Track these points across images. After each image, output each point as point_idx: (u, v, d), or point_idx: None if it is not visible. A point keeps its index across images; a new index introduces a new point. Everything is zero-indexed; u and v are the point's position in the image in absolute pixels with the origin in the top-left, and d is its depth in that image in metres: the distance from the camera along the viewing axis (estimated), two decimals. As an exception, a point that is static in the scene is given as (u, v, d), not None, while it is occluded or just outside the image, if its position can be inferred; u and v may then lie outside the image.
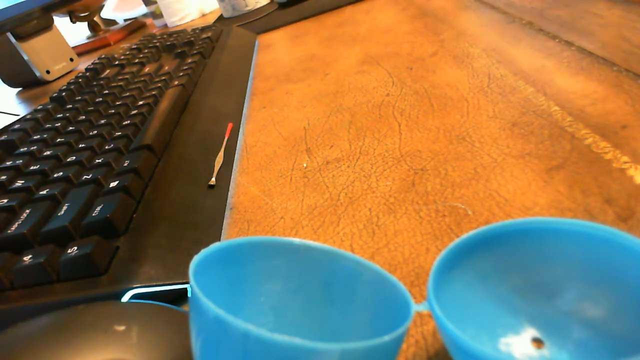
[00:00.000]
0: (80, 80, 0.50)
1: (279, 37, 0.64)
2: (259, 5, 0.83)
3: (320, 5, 0.71)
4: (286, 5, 0.79)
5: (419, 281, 0.19)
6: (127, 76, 0.47)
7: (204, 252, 0.15)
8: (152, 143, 0.31)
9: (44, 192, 0.27)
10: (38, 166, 0.31)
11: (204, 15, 1.03)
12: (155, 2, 1.02)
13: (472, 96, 0.32)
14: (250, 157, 0.34)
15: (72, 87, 0.48)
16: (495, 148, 0.26)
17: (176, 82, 0.42)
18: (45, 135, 0.36)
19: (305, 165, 0.30)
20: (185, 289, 0.21)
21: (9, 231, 0.24)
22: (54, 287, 0.22)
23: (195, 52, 0.51)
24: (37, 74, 0.85)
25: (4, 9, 0.54)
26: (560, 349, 0.15)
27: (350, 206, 0.25)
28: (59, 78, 0.88)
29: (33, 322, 0.18)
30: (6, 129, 0.52)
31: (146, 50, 0.56)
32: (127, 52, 0.58)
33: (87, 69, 0.53)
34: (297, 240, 0.17)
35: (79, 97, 0.44)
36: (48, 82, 0.87)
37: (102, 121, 0.37)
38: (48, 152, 0.33)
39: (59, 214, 0.25)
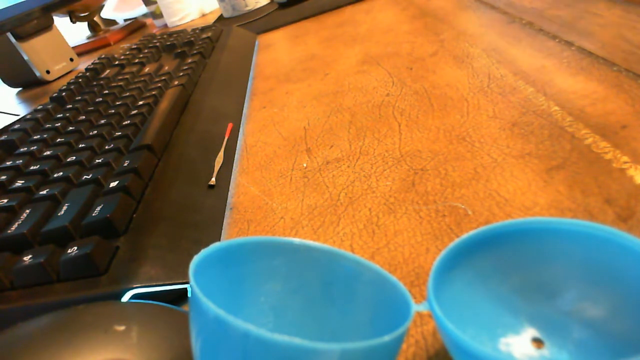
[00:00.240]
0: (80, 80, 0.50)
1: (279, 37, 0.64)
2: (259, 5, 0.83)
3: (320, 5, 0.71)
4: (286, 5, 0.79)
5: (419, 281, 0.19)
6: (127, 76, 0.47)
7: (204, 252, 0.15)
8: (152, 143, 0.31)
9: (44, 192, 0.27)
10: (38, 166, 0.31)
11: (204, 15, 1.03)
12: (155, 2, 1.02)
13: (472, 96, 0.32)
14: (250, 157, 0.34)
15: (72, 87, 0.48)
16: (495, 148, 0.26)
17: (176, 82, 0.42)
18: (45, 135, 0.36)
19: (305, 165, 0.30)
20: (185, 289, 0.21)
21: (9, 231, 0.24)
22: (54, 287, 0.22)
23: (195, 52, 0.51)
24: (37, 74, 0.85)
25: (4, 9, 0.54)
26: (560, 349, 0.15)
27: (350, 206, 0.25)
28: (59, 78, 0.88)
29: (33, 322, 0.18)
30: (6, 129, 0.52)
31: (146, 50, 0.56)
32: (127, 52, 0.58)
33: (87, 69, 0.53)
34: (297, 240, 0.17)
35: (79, 97, 0.44)
36: (48, 82, 0.87)
37: (102, 121, 0.37)
38: (48, 152, 0.33)
39: (59, 214, 0.25)
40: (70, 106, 0.42)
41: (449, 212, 0.22)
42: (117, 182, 0.26)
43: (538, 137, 0.25)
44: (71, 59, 0.91)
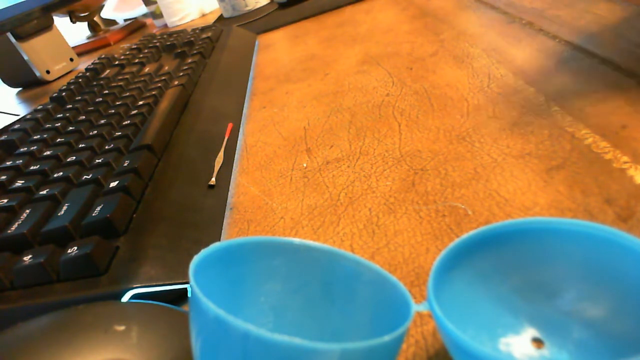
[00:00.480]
0: (80, 80, 0.50)
1: (279, 37, 0.64)
2: (259, 5, 0.83)
3: (320, 5, 0.71)
4: (286, 5, 0.79)
5: (419, 281, 0.19)
6: (127, 76, 0.47)
7: (204, 252, 0.15)
8: (152, 143, 0.31)
9: (44, 192, 0.27)
10: (38, 166, 0.31)
11: (204, 15, 1.03)
12: (155, 2, 1.02)
13: (472, 96, 0.32)
14: (250, 157, 0.34)
15: (72, 87, 0.48)
16: (495, 148, 0.26)
17: (176, 82, 0.42)
18: (45, 135, 0.36)
19: (305, 165, 0.30)
20: (185, 289, 0.21)
21: (9, 231, 0.24)
22: (54, 287, 0.22)
23: (195, 52, 0.51)
24: (37, 74, 0.85)
25: (4, 9, 0.54)
26: (560, 349, 0.15)
27: (350, 206, 0.25)
28: (59, 78, 0.88)
29: (33, 322, 0.18)
30: (6, 129, 0.52)
31: (146, 50, 0.56)
32: (127, 52, 0.58)
33: (87, 69, 0.53)
34: (297, 240, 0.17)
35: (79, 97, 0.44)
36: (48, 82, 0.87)
37: (102, 121, 0.37)
38: (48, 152, 0.33)
39: (59, 214, 0.25)
40: (70, 106, 0.42)
41: (449, 212, 0.22)
42: (117, 182, 0.26)
43: (538, 137, 0.25)
44: (71, 59, 0.91)
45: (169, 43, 0.56)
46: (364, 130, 0.32)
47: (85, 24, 1.13)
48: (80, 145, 0.33)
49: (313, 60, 0.49)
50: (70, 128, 0.37)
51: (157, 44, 0.58)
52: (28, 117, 0.42)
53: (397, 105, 0.34)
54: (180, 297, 0.22)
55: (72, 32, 1.25)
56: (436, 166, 0.26)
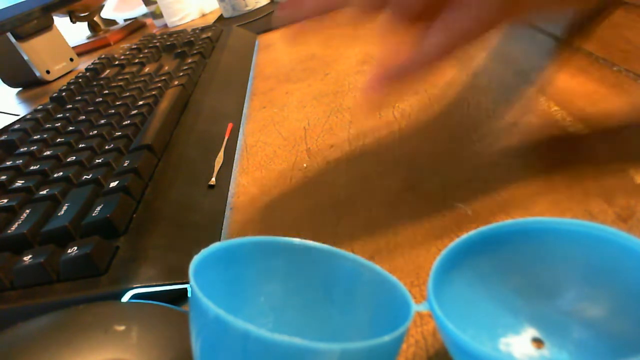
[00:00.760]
0: (80, 80, 0.50)
1: (279, 37, 0.64)
2: (259, 5, 0.83)
3: (320, 5, 0.70)
4: (286, 5, 0.79)
5: (419, 281, 0.19)
6: (127, 76, 0.47)
7: (204, 252, 0.15)
8: (152, 143, 0.31)
9: (44, 192, 0.27)
10: (38, 166, 0.31)
11: (204, 15, 1.03)
12: (155, 2, 1.02)
13: (472, 96, 0.32)
14: (250, 157, 0.34)
15: (72, 87, 0.48)
16: (496, 148, 0.26)
17: (176, 82, 0.42)
18: (45, 135, 0.36)
19: (305, 165, 0.30)
20: (185, 289, 0.21)
21: (9, 231, 0.24)
22: (54, 287, 0.22)
23: (195, 52, 0.51)
24: (37, 74, 0.85)
25: (4, 9, 0.54)
26: (560, 349, 0.15)
27: (350, 206, 0.25)
28: (59, 78, 0.88)
29: (33, 322, 0.18)
30: (6, 129, 0.52)
31: (146, 50, 0.56)
32: (127, 52, 0.58)
33: (87, 69, 0.53)
34: (297, 240, 0.17)
35: (79, 97, 0.44)
36: (48, 82, 0.87)
37: (102, 121, 0.37)
38: (48, 152, 0.33)
39: (59, 214, 0.25)
40: (70, 106, 0.42)
41: (449, 212, 0.22)
42: (117, 182, 0.26)
43: (538, 137, 0.25)
44: (71, 59, 0.91)
45: (169, 43, 0.56)
46: (364, 130, 0.32)
47: (85, 24, 1.13)
48: (80, 145, 0.33)
49: (313, 60, 0.49)
50: (70, 128, 0.37)
51: (157, 44, 0.58)
52: (28, 117, 0.42)
53: (397, 105, 0.34)
54: (180, 297, 0.22)
55: (72, 32, 1.25)
56: (436, 166, 0.26)
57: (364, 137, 0.31)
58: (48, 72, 0.86)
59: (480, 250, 0.16)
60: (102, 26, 1.16)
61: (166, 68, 0.47)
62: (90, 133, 0.35)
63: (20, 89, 0.91)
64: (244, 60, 0.54)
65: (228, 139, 0.35)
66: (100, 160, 0.30)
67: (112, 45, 1.05)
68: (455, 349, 0.13)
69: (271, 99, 0.43)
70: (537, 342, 0.15)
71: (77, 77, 0.51)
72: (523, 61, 0.34)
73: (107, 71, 0.51)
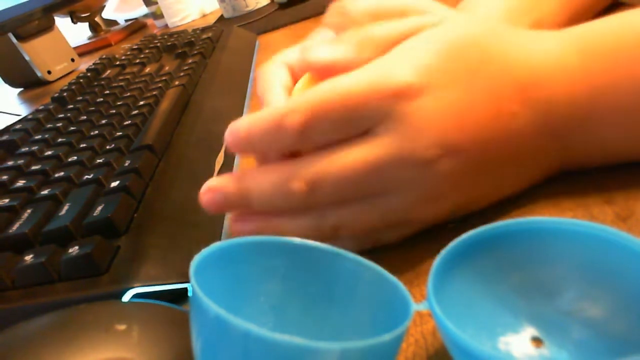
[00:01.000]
0: (81, 80, 0.50)
1: (279, 37, 0.64)
2: (259, 6, 0.83)
3: (321, 6, 0.71)
4: (286, 5, 0.79)
5: (419, 281, 0.19)
6: (128, 76, 0.47)
7: (204, 251, 0.15)
8: (153, 143, 0.31)
9: (45, 192, 0.27)
10: (39, 166, 0.31)
11: (204, 15, 1.03)
12: (156, 3, 1.02)
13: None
14: (251, 158, 0.34)
15: (73, 87, 0.48)
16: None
17: (177, 82, 0.42)
18: (46, 136, 0.36)
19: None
20: (186, 288, 0.21)
21: (10, 231, 0.24)
22: (55, 287, 0.22)
23: (195, 52, 0.51)
24: (39, 74, 0.85)
25: (5, 9, 0.54)
26: (560, 348, 0.15)
27: (350, 206, 0.25)
28: (60, 78, 0.88)
29: (34, 322, 0.18)
30: (7, 129, 0.52)
31: (147, 51, 0.56)
32: (128, 53, 0.58)
33: (88, 69, 0.53)
34: (297, 240, 0.17)
35: (80, 98, 0.44)
36: (49, 83, 0.87)
37: (103, 121, 0.37)
38: (49, 152, 0.33)
39: (60, 214, 0.25)
40: (72, 106, 0.42)
41: (449, 212, 0.22)
42: (118, 182, 0.26)
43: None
44: (72, 60, 0.91)
45: (169, 43, 0.56)
46: (364, 131, 0.32)
47: (87, 24, 1.13)
48: (81, 145, 0.33)
49: (314, 61, 0.49)
50: (72, 128, 0.37)
51: (158, 44, 0.58)
52: (29, 117, 0.42)
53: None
54: (180, 296, 0.22)
55: (73, 32, 1.25)
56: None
57: (364, 137, 0.31)
58: (49, 72, 0.86)
59: (480, 250, 0.16)
60: (103, 26, 1.16)
61: (167, 68, 0.47)
62: (91, 133, 0.35)
63: (21, 89, 0.91)
64: (245, 61, 0.54)
65: (229, 139, 0.35)
66: (101, 160, 0.30)
67: (113, 45, 1.05)
68: (454, 348, 0.13)
69: (272, 99, 0.43)
70: (537, 341, 0.15)
71: (78, 78, 0.51)
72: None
73: (108, 71, 0.52)
